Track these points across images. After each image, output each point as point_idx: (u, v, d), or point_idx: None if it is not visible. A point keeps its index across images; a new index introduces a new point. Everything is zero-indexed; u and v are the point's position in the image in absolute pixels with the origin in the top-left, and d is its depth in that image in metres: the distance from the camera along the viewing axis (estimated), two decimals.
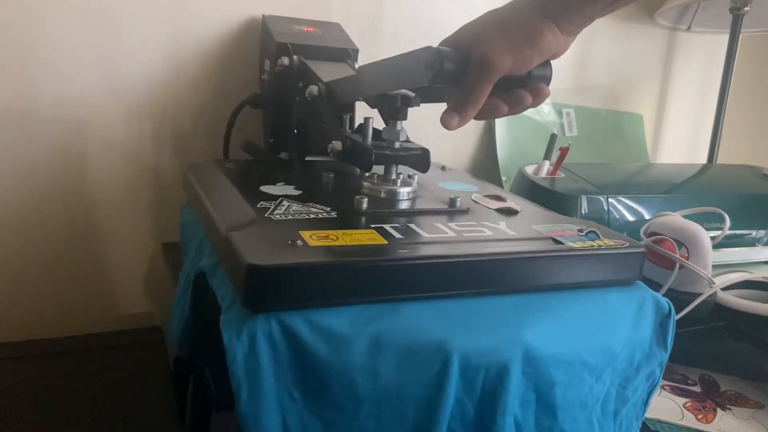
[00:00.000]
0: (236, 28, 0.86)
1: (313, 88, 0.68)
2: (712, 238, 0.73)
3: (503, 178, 1.07)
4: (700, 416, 0.66)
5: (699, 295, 0.69)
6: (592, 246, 0.53)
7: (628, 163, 1.20)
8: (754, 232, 0.93)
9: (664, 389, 0.71)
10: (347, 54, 0.80)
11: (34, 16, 0.76)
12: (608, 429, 0.53)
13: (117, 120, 0.83)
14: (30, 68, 0.77)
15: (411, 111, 0.61)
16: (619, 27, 1.21)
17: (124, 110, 0.83)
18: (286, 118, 0.78)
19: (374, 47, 0.96)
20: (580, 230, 0.56)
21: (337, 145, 0.64)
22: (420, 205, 0.61)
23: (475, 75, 0.49)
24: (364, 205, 0.57)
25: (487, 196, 0.68)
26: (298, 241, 0.46)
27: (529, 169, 0.95)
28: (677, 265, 0.70)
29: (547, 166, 0.94)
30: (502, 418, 0.45)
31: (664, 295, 0.55)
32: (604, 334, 0.50)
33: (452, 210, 0.60)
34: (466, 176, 0.81)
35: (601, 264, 0.53)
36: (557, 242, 0.53)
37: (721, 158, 1.22)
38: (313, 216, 0.54)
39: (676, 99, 1.33)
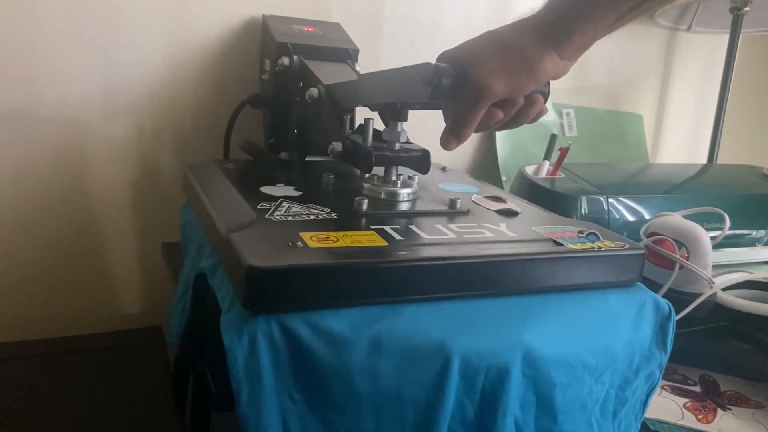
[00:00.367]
0: (236, 28, 0.86)
1: (313, 91, 0.68)
2: (712, 238, 0.73)
3: (503, 178, 1.07)
4: (700, 416, 0.66)
5: (699, 295, 0.69)
6: (593, 248, 0.53)
7: (628, 163, 1.20)
8: (754, 232, 0.93)
9: (665, 389, 0.71)
10: (347, 54, 0.80)
11: (34, 17, 0.76)
12: (607, 430, 0.53)
13: (117, 120, 0.83)
14: (30, 68, 0.77)
15: (411, 112, 0.61)
16: None
17: (124, 110, 0.83)
18: (286, 118, 0.78)
19: (374, 47, 0.96)
20: (581, 232, 0.56)
21: (338, 146, 0.64)
22: (420, 206, 0.61)
23: (471, 99, 0.50)
24: (365, 207, 0.57)
25: (487, 197, 0.68)
26: (299, 243, 0.46)
27: (529, 170, 0.95)
28: (677, 266, 0.70)
29: (547, 166, 0.94)
30: (503, 420, 0.45)
31: (664, 296, 0.55)
32: (604, 336, 0.50)
33: (452, 211, 0.60)
34: (466, 177, 0.81)
35: (601, 266, 0.53)
36: (557, 244, 0.53)
37: (721, 158, 1.22)
38: (314, 217, 0.54)
39: (676, 99, 1.33)
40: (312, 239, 0.47)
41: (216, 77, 0.87)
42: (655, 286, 0.70)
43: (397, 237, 0.50)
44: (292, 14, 0.86)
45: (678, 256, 0.70)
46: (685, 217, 0.76)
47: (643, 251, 0.54)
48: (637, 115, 1.27)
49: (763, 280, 0.78)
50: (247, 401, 0.41)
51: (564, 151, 0.92)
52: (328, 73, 0.73)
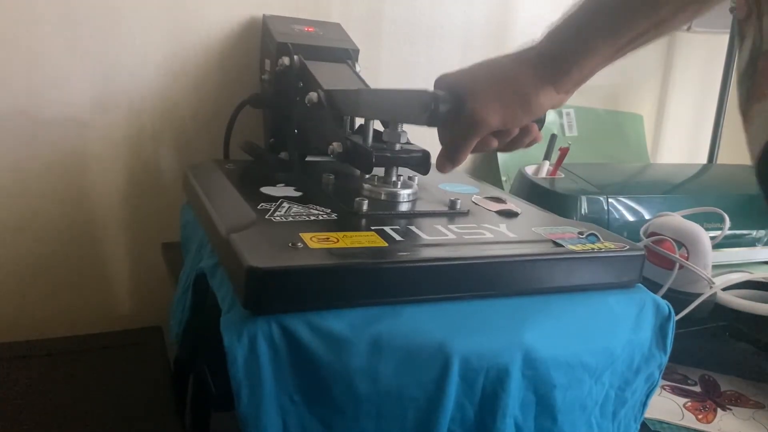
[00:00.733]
0: (237, 28, 0.86)
1: (313, 95, 0.68)
2: (712, 238, 0.73)
3: (503, 179, 1.07)
4: (700, 416, 0.66)
5: (699, 295, 0.69)
6: (593, 249, 0.53)
7: (628, 163, 1.20)
8: (754, 232, 0.93)
9: (665, 389, 0.71)
10: (347, 54, 0.80)
11: (34, 17, 0.76)
12: (607, 430, 0.53)
13: (117, 120, 0.83)
14: (30, 68, 0.77)
15: None
16: None
17: (125, 110, 0.83)
18: (287, 119, 0.78)
19: (374, 47, 0.96)
20: (581, 233, 0.56)
21: (338, 146, 0.64)
22: (420, 207, 0.61)
23: (466, 128, 0.51)
24: (365, 207, 0.57)
25: (487, 198, 0.68)
26: (299, 243, 0.46)
27: (529, 170, 0.95)
28: (677, 266, 0.70)
29: (546, 166, 0.94)
30: (502, 420, 0.45)
31: (663, 296, 0.55)
32: (604, 337, 0.50)
33: (452, 212, 0.60)
34: (466, 177, 0.81)
35: (601, 267, 0.53)
36: (557, 245, 0.53)
37: (721, 158, 1.22)
38: (314, 218, 0.54)
39: (676, 99, 1.33)
40: (312, 240, 0.47)
41: (216, 77, 0.87)
42: (655, 286, 0.70)
43: (397, 238, 0.50)
44: (293, 14, 0.86)
45: (678, 256, 0.70)
46: (685, 217, 0.76)
47: (642, 252, 0.54)
48: (637, 115, 1.27)
49: (763, 280, 0.78)
50: (246, 401, 0.41)
51: (564, 151, 0.92)
52: (328, 74, 0.72)
